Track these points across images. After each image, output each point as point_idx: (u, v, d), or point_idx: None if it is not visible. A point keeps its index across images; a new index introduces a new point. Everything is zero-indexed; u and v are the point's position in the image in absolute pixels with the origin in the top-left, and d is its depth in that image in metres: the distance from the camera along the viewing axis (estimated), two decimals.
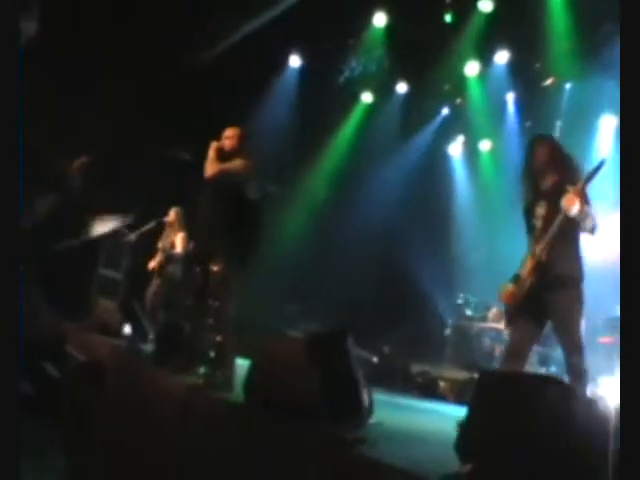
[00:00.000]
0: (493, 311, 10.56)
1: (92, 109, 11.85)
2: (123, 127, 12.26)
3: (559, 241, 5.08)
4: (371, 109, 14.21)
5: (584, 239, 5.26)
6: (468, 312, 11.23)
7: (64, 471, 5.83)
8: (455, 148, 13.95)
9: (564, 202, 4.95)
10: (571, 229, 5.10)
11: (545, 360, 9.20)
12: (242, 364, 5.74)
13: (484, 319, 10.91)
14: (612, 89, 9.27)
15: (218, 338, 6.30)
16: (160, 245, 10.61)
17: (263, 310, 11.43)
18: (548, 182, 5.39)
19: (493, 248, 11.65)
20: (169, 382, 5.96)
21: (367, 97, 14.09)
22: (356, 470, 3.62)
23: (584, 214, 4.96)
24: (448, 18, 11.27)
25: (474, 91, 12.39)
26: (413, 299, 12.71)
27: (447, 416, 7.19)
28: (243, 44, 12.43)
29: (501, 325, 9.63)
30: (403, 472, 3.42)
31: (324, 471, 3.79)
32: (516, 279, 5.34)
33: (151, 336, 8.45)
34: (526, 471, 2.98)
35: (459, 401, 8.59)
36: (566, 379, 4.94)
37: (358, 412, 4.68)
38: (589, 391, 5.34)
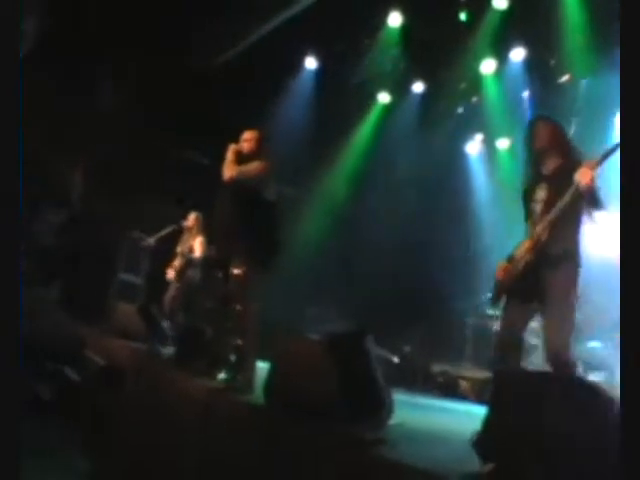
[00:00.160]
0: None
1: (109, 114, 11.92)
2: (140, 132, 12.33)
3: (562, 220, 4.86)
4: (388, 109, 14.18)
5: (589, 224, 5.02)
6: (488, 311, 11.18)
7: (84, 474, 5.85)
8: (472, 147, 13.91)
9: (578, 175, 4.69)
10: (577, 209, 4.88)
11: None
12: (262, 366, 5.74)
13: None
14: None
15: (239, 341, 6.32)
16: (179, 249, 10.64)
17: (284, 312, 11.44)
18: (550, 166, 5.19)
19: (512, 246, 11.58)
20: (189, 385, 5.98)
21: (384, 97, 14.06)
22: (377, 471, 3.62)
23: (595, 188, 4.70)
24: (463, 16, 11.23)
25: (490, 89, 12.33)
26: (433, 299, 12.66)
27: (468, 415, 7.18)
28: (259, 46, 12.45)
29: None
30: (424, 472, 3.42)
31: (344, 472, 3.79)
32: (510, 259, 5.20)
33: (170, 340, 8.49)
34: (546, 470, 2.97)
35: (480, 400, 8.57)
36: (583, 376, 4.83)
37: (378, 412, 4.68)
38: (610, 388, 5.20)
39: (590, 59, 10.00)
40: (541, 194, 5.12)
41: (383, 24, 12.34)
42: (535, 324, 9.82)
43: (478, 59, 11.94)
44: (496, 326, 10.84)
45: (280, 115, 13.21)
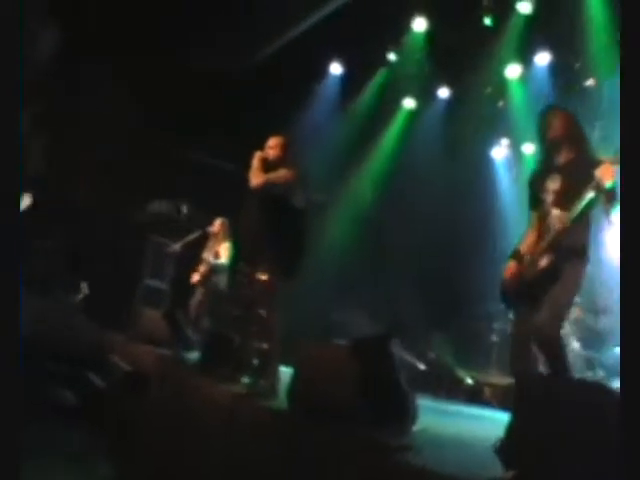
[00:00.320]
0: None
1: (134, 119, 11.99)
2: (166, 137, 12.39)
3: (578, 219, 4.72)
4: (414, 115, 14.17)
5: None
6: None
7: (109, 479, 5.88)
8: (498, 151, 13.85)
9: (599, 172, 4.53)
10: (593, 205, 4.75)
11: (591, 364, 9.05)
12: (286, 372, 5.75)
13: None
14: None
15: (263, 346, 6.33)
16: (204, 255, 10.67)
17: (310, 317, 11.45)
18: (563, 157, 5.06)
19: None
20: (214, 390, 5.99)
21: (409, 103, 14.05)
22: (401, 477, 3.60)
23: (616, 186, 4.46)
24: (487, 21, 11.18)
25: (516, 94, 12.27)
26: (459, 304, 12.62)
27: (493, 422, 7.14)
28: (284, 52, 12.49)
29: None
30: (448, 479, 3.41)
31: (368, 478, 3.78)
32: (515, 255, 5.12)
33: (195, 345, 8.51)
34: (568, 477, 2.95)
35: (505, 407, 8.51)
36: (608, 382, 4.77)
37: (402, 418, 4.67)
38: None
39: (615, 62, 9.92)
40: (553, 185, 5.00)
41: (408, 29, 12.33)
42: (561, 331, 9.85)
43: (503, 64, 11.90)
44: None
45: (305, 121, 13.24)
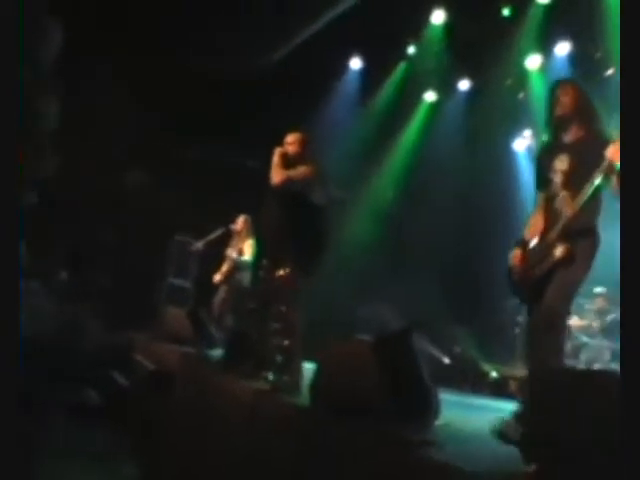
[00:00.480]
0: None
1: (155, 118, 12.03)
2: (188, 135, 12.42)
3: (589, 199, 4.50)
4: (435, 108, 14.14)
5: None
6: None
7: (133, 478, 5.91)
8: (520, 143, 13.78)
9: (610, 153, 4.26)
10: (604, 187, 4.52)
11: (615, 355, 8.96)
12: (309, 367, 5.74)
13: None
14: None
15: (285, 342, 6.33)
16: (228, 252, 10.68)
17: (334, 313, 11.45)
18: (572, 135, 4.81)
19: None
20: (236, 388, 6.00)
21: (430, 96, 14.02)
22: (423, 472, 3.59)
23: None
24: (506, 12, 11.15)
25: (536, 85, 12.19)
26: (482, 298, 12.56)
27: None
28: (304, 48, 12.48)
29: (571, 322, 9.49)
30: (471, 474, 3.39)
31: (391, 473, 3.76)
32: (522, 243, 4.92)
33: (219, 343, 8.53)
34: (589, 470, 2.92)
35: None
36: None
37: (425, 412, 4.65)
38: None
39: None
40: (561, 164, 4.75)
41: (427, 22, 12.30)
42: (584, 322, 9.78)
43: (523, 55, 11.84)
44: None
45: (326, 116, 13.24)
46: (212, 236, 11.07)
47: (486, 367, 10.31)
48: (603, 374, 4.49)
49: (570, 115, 4.79)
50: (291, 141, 6.62)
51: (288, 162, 6.50)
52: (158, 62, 11.88)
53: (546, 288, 4.58)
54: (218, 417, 5.96)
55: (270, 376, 6.24)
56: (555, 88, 4.93)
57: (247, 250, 10.41)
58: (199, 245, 11.31)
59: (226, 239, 10.93)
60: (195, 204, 11.68)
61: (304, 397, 5.34)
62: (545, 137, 5.08)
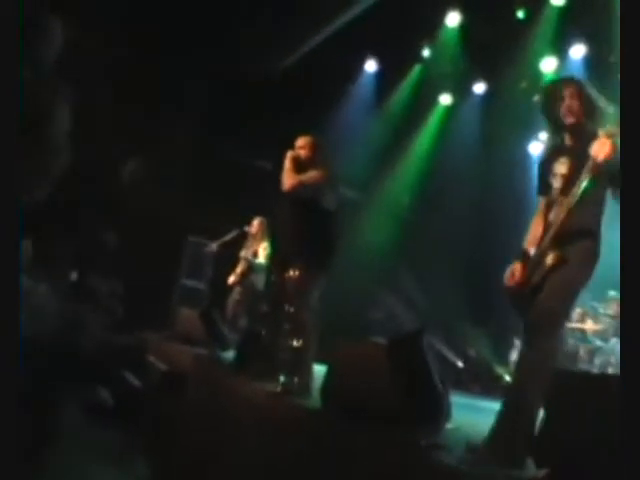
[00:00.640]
0: (577, 311, 10.30)
1: (171, 120, 12.06)
2: (203, 138, 12.46)
3: (581, 203, 4.23)
4: (450, 111, 14.13)
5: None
6: None
7: (145, 478, 5.91)
8: (535, 146, 13.73)
9: (594, 148, 4.03)
10: (598, 187, 4.26)
11: None
12: (320, 369, 5.75)
13: (568, 320, 10.67)
14: None
15: (296, 344, 6.34)
16: (243, 254, 10.71)
17: (349, 316, 11.46)
18: (575, 138, 4.52)
19: None
20: (247, 389, 6.01)
21: (445, 99, 14.01)
22: (433, 476, 3.59)
23: (615, 161, 3.83)
24: (521, 14, 11.12)
25: None
26: (496, 300, 12.53)
27: None
28: (319, 51, 12.49)
29: (586, 325, 9.46)
30: (479, 477, 3.38)
31: (401, 476, 3.76)
32: (522, 256, 4.61)
33: (231, 344, 8.55)
34: (602, 475, 2.91)
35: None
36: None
37: (435, 416, 4.64)
38: None
39: None
40: (561, 168, 4.49)
41: (442, 25, 12.28)
42: (598, 326, 9.74)
43: (538, 57, 11.79)
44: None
45: (341, 119, 13.23)
46: (227, 237, 11.09)
47: (500, 370, 10.28)
48: (617, 378, 4.46)
49: (581, 122, 4.48)
50: (302, 145, 6.61)
51: (299, 166, 6.49)
52: (175, 63, 11.93)
53: (543, 292, 4.37)
54: (230, 418, 5.97)
55: (282, 378, 6.25)
56: (558, 87, 4.63)
57: (262, 252, 10.44)
58: (214, 246, 11.35)
59: (241, 241, 10.96)
60: (210, 205, 11.67)
61: (315, 399, 5.35)
62: (550, 139, 4.94)
